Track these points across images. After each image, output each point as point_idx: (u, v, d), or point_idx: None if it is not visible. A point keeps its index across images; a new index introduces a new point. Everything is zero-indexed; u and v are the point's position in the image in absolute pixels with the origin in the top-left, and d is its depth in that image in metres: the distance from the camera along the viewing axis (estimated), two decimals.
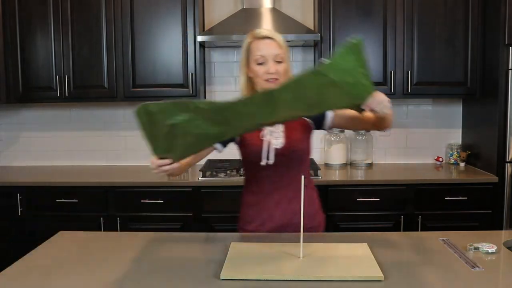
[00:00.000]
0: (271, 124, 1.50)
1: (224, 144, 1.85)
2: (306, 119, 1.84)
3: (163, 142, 1.47)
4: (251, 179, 1.90)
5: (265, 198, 1.86)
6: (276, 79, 1.73)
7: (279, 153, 1.79)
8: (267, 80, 1.73)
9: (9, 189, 3.14)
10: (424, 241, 1.77)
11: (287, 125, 1.81)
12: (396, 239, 1.83)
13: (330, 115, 1.83)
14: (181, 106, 1.38)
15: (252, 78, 1.79)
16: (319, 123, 1.86)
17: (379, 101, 1.48)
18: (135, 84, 3.34)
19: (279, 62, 1.74)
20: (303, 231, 1.56)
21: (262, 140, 1.80)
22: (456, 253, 1.63)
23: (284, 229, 1.84)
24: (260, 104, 1.37)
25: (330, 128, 1.87)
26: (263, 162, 1.78)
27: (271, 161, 1.78)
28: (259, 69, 1.74)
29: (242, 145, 1.86)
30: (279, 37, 1.75)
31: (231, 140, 1.85)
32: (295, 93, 1.35)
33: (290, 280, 1.41)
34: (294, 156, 1.81)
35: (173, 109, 1.39)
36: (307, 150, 1.86)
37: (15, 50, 3.33)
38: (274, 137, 1.80)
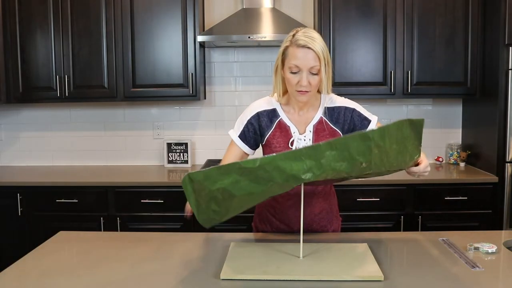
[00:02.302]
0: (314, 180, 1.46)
1: (253, 148, 1.84)
2: (338, 130, 1.80)
3: (207, 210, 1.45)
4: None
5: (285, 202, 1.85)
6: (307, 91, 1.67)
7: None
8: (297, 91, 1.67)
9: (9, 189, 3.14)
10: (424, 241, 1.77)
11: (317, 134, 1.78)
12: (396, 239, 1.83)
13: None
14: (224, 169, 1.36)
15: (284, 80, 1.74)
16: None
17: (421, 170, 1.60)
18: (135, 84, 3.34)
19: (314, 74, 1.65)
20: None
21: (289, 149, 1.76)
22: (456, 253, 1.63)
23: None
24: (304, 160, 1.33)
25: None
26: None
27: None
28: (292, 78, 1.66)
29: (268, 149, 1.82)
30: (318, 47, 1.62)
31: (259, 142, 1.83)
32: (340, 152, 1.34)
33: (290, 280, 1.41)
34: None
35: (217, 174, 1.37)
36: None
37: (15, 50, 3.33)
38: (302, 146, 1.76)
